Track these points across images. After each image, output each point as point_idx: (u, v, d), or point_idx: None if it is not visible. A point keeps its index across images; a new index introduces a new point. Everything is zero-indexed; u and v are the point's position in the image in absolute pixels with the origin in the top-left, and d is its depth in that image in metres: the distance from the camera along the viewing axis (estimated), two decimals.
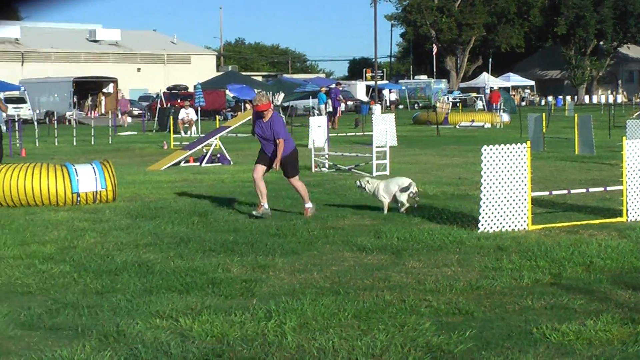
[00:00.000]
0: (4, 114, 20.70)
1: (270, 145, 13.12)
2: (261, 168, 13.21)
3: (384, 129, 21.75)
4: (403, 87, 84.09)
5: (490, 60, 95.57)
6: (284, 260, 9.81)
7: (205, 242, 10.89)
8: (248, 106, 52.62)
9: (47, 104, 59.67)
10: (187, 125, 39.41)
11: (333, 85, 51.21)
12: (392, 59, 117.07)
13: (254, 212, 12.93)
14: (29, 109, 53.27)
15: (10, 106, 52.39)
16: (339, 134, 33.66)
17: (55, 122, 38.79)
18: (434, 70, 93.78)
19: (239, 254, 10.17)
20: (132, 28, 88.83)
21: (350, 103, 68.64)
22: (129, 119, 56.60)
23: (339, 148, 25.81)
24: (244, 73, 78.63)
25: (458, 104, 64.33)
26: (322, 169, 20.71)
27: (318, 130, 23.22)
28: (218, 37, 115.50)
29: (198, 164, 22.80)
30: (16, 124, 32.87)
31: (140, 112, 59.39)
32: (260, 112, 13.03)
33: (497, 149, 11.37)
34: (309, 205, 13.20)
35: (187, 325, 7.07)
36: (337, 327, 6.98)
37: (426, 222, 12.29)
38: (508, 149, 11.43)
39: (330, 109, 44.39)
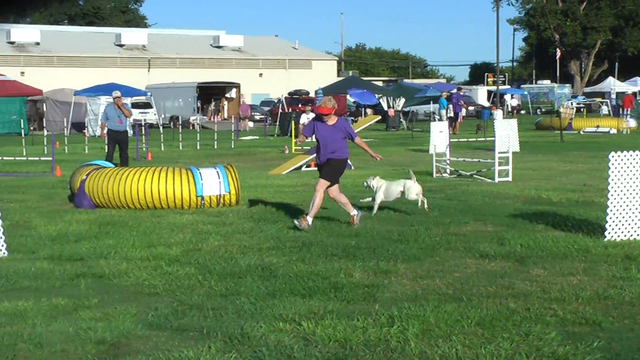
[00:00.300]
0: (130, 119, 21.51)
1: (329, 150, 12.74)
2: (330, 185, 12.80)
3: (506, 134, 21.47)
4: (525, 92, 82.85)
5: (616, 64, 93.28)
6: (406, 266, 9.78)
7: (327, 247, 10.93)
8: (369, 111, 52.72)
9: (172, 109, 60.94)
10: None
11: (454, 91, 50.89)
12: (514, 64, 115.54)
13: (296, 223, 12.34)
14: (155, 114, 54.51)
15: (136, 111, 53.87)
16: (460, 140, 33.38)
17: (180, 126, 39.57)
18: (557, 74, 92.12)
19: (361, 259, 10.18)
20: (255, 34, 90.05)
21: (471, 108, 68.07)
22: (251, 124, 57.33)
23: (460, 154, 25.60)
24: (364, 78, 78.75)
25: (582, 109, 62.99)
26: (444, 175, 20.58)
27: (440, 136, 23.08)
28: (339, 42, 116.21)
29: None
30: (143, 128, 33.69)
31: (262, 116, 60.09)
32: (321, 116, 12.86)
33: (625, 155, 11.09)
34: (299, 221, 12.33)
35: (310, 329, 7.11)
36: (460, 335, 6.92)
37: (550, 230, 12.08)
38: (637, 155, 11.13)
39: (452, 114, 44.10)
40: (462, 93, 49.94)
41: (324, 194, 12.84)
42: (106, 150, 21.88)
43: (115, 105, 21.22)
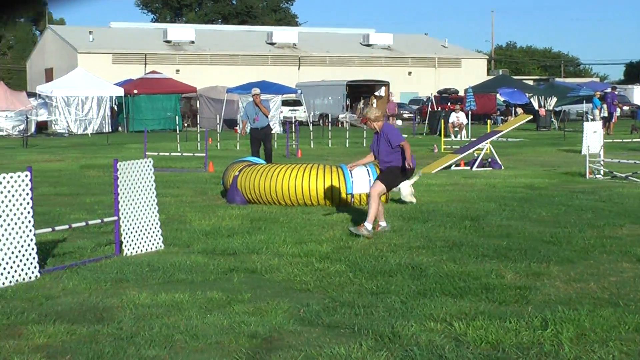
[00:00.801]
0: (268, 117, 20.94)
1: (384, 162, 12.24)
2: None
3: None
4: None
5: None
6: (559, 268, 9.58)
7: (478, 247, 10.82)
8: (519, 110, 51.87)
9: (322, 107, 61.46)
10: (457, 128, 39.40)
11: (609, 90, 49.53)
12: None
13: (352, 229, 11.88)
14: (305, 112, 55.11)
15: (286, 108, 54.58)
16: (614, 140, 32.48)
17: (329, 124, 39.80)
18: None
19: (512, 260, 10.03)
20: (404, 32, 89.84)
21: (626, 108, 66.14)
22: (399, 122, 57.24)
23: (615, 154, 24.90)
24: (514, 77, 77.57)
25: None
26: (597, 176, 20.06)
27: (593, 136, 22.52)
28: (489, 40, 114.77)
29: (469, 167, 22.73)
30: (293, 125, 34.08)
31: (411, 115, 59.95)
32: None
33: None
34: (356, 228, 11.82)
35: (462, 330, 7.06)
36: (617, 341, 6.74)
37: None
38: None
39: (605, 114, 42.97)
40: (616, 92, 48.47)
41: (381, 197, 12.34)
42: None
43: (254, 103, 21.01)
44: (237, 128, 45.45)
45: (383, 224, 12.39)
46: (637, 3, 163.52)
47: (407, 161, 11.91)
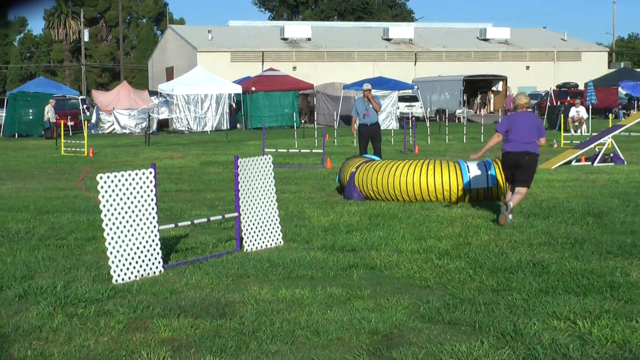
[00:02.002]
0: (378, 113, 20.52)
1: (525, 140, 12.77)
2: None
3: None
4: None
5: None
6: None
7: (601, 244, 10.59)
8: None
9: (438, 102, 61.12)
10: (577, 123, 38.64)
11: None
12: None
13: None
14: (421, 107, 54.88)
15: (403, 104, 54.45)
16: None
17: (446, 119, 39.55)
18: None
19: (638, 257, 9.79)
20: (522, 26, 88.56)
21: None
22: None
23: None
24: (637, 70, 75.64)
25: None
26: None
27: None
28: (610, 32, 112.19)
29: (590, 163, 22.27)
30: (410, 121, 33.98)
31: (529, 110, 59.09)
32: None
33: None
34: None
35: (586, 329, 6.93)
36: None
37: None
38: None
39: None
40: None
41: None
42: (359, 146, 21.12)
43: (365, 98, 20.55)
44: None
45: (510, 216, 12.53)
46: None
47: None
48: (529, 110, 13.16)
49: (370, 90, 20.90)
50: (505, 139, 12.95)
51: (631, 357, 6.28)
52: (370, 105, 20.57)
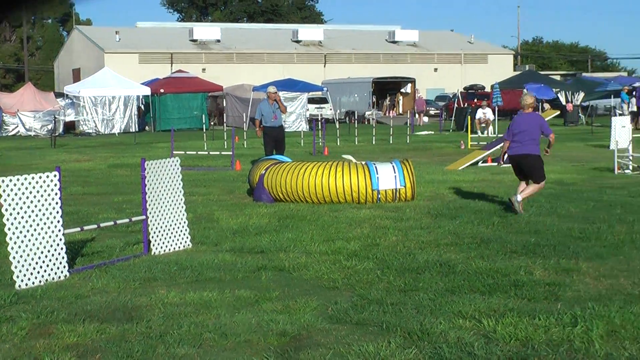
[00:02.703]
0: (284, 115, 20.06)
1: (524, 142, 13.67)
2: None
3: None
4: None
5: None
6: (589, 264, 9.53)
7: (506, 244, 10.78)
8: (547, 106, 51.61)
9: (348, 104, 61.41)
10: (484, 125, 39.24)
11: (638, 84, 49.17)
12: None
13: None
14: (331, 109, 55.09)
15: (312, 106, 54.57)
16: None
17: (355, 121, 39.78)
18: None
19: (541, 256, 9.99)
20: (430, 29, 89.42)
21: None
22: (425, 119, 57.17)
23: None
24: (541, 72, 77.17)
25: None
26: (626, 171, 19.93)
27: (622, 131, 22.37)
28: (515, 36, 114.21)
29: (496, 164, 22.62)
30: (319, 123, 34.09)
31: (437, 111, 59.79)
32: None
33: None
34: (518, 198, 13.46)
35: (491, 327, 7.03)
36: None
37: None
38: None
39: (634, 109, 42.67)
40: None
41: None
42: (264, 149, 20.56)
43: (271, 101, 20.10)
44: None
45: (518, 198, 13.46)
46: None
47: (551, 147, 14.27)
48: (533, 110, 14.06)
49: (276, 92, 20.56)
50: (511, 142, 13.89)
51: (534, 354, 6.40)
52: (278, 108, 20.28)
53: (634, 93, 44.50)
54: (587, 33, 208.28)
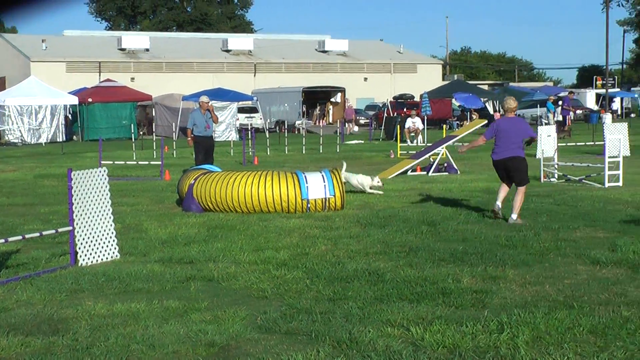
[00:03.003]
0: (215, 125, 20.06)
1: (509, 147, 13.84)
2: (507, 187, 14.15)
3: (617, 138, 21.02)
4: (636, 95, 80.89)
5: None
6: (515, 271, 9.65)
7: (435, 252, 10.87)
8: (474, 115, 52.21)
9: (278, 113, 61.39)
10: (413, 134, 39.55)
11: (563, 94, 49.97)
12: (624, 66, 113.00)
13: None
14: (261, 118, 55.02)
15: (242, 116, 54.42)
16: (568, 144, 32.78)
17: (286, 130, 39.82)
18: None
19: (469, 264, 10.09)
20: (360, 38, 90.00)
21: (579, 112, 66.78)
22: (356, 128, 57.40)
23: (569, 158, 25.14)
24: (470, 82, 78.07)
25: None
26: (552, 180, 20.25)
27: (547, 140, 22.72)
28: (444, 46, 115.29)
29: (425, 173, 22.83)
30: (249, 132, 34.03)
31: (367, 121, 60.09)
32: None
33: None
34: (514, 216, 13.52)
35: (419, 335, 7.08)
36: (572, 343, 6.80)
37: None
38: None
39: (560, 118, 43.40)
40: (573, 97, 48.68)
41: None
42: (194, 158, 20.87)
43: (203, 110, 20.25)
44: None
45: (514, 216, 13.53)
46: (591, 9, 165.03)
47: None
48: (515, 115, 14.40)
49: (208, 102, 20.68)
50: (493, 147, 14.10)
51: None
52: (211, 118, 20.37)
53: (559, 103, 45.27)
54: (514, 43, 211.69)
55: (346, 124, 53.52)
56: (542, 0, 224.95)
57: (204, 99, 20.82)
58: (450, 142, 24.18)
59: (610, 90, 73.02)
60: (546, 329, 7.15)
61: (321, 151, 34.54)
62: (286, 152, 34.42)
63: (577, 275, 9.42)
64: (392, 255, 10.78)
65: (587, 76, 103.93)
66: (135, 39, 74.84)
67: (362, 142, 43.48)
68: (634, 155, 27.44)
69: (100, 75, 66.73)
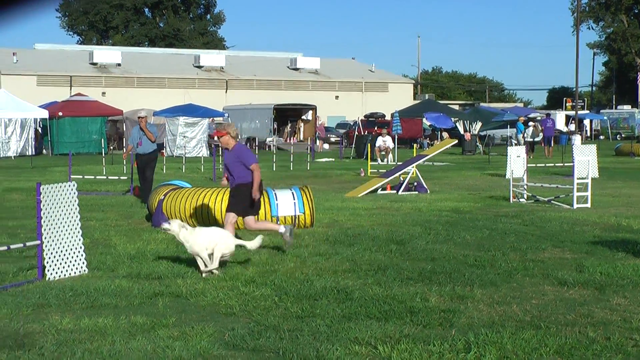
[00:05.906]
0: (154, 143, 19.74)
1: (233, 179, 12.64)
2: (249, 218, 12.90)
3: (585, 160, 21.20)
4: (605, 117, 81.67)
5: None
6: (483, 291, 9.69)
7: (403, 271, 10.90)
8: (445, 135, 52.48)
9: (249, 130, 61.34)
10: (384, 152, 39.69)
11: (534, 115, 50.21)
12: (594, 88, 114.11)
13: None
14: None
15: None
16: (537, 165, 33.02)
17: (256, 147, 39.80)
18: (638, 99, 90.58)
19: (437, 283, 10.12)
20: (332, 57, 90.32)
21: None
22: (326, 146, 57.49)
23: (538, 179, 25.33)
24: (440, 101, 78.47)
25: None
26: (521, 200, 20.37)
27: (517, 161, 22.88)
28: (415, 65, 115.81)
29: (395, 191, 22.88)
30: (220, 149, 33.97)
31: (338, 139, 60.22)
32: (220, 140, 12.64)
33: None
34: (281, 229, 12.77)
35: (386, 353, 7.09)
36: None
37: (631, 258, 11.87)
38: None
39: (530, 139, 43.74)
40: (549, 118, 48.66)
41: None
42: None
43: (142, 126, 19.91)
44: (164, 152, 45.17)
45: (282, 229, 12.71)
46: (561, 31, 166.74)
47: (255, 187, 12.39)
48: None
49: (144, 117, 20.14)
50: None
51: None
52: (144, 135, 19.90)
53: (529, 123, 45.59)
54: (485, 64, 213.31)
55: (317, 142, 53.57)
56: (513, 22, 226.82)
57: (141, 113, 20.35)
58: (420, 161, 24.28)
59: (579, 112, 73.58)
60: (513, 349, 7.18)
61: (291, 168, 34.55)
62: None
63: (544, 296, 9.48)
64: (360, 274, 10.79)
65: (557, 98, 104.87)
66: (107, 54, 74.70)
67: (333, 160, 43.54)
68: (602, 177, 27.66)
69: (71, 89, 66.46)
